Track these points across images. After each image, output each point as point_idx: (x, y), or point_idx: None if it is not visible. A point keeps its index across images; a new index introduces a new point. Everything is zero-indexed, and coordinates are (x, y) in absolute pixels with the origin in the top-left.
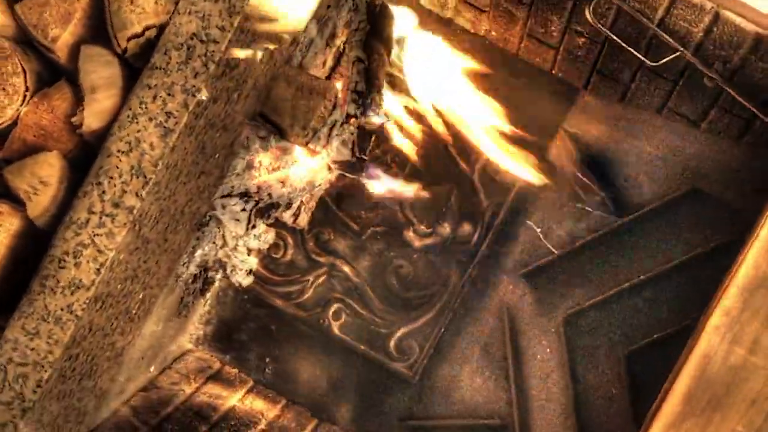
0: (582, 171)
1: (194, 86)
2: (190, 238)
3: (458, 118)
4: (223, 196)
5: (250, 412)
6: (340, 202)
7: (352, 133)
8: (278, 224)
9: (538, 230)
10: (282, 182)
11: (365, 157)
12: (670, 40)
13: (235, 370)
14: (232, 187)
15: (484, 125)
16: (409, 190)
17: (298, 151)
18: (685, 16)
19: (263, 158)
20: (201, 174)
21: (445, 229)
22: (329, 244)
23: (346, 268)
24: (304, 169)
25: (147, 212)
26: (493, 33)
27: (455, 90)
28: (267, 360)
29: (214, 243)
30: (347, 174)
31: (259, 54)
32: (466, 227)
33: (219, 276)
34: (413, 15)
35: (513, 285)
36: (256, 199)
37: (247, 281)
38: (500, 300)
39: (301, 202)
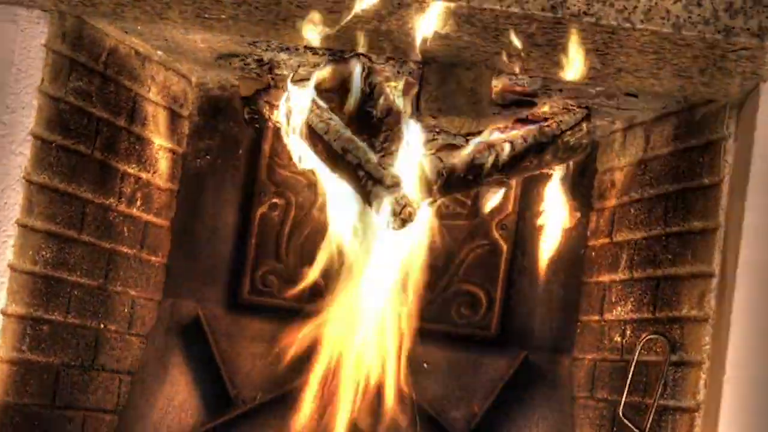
0: None
1: None
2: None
3: None
4: None
5: (152, 160)
6: None
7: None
8: None
9: None
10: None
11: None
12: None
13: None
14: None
15: None
16: None
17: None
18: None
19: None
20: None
21: None
22: None
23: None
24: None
25: None
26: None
27: None
28: (207, 157)
29: (295, 72)
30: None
31: (493, 46)
32: None
33: (272, 85)
34: None
35: None
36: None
37: (283, 126)
38: None
39: None
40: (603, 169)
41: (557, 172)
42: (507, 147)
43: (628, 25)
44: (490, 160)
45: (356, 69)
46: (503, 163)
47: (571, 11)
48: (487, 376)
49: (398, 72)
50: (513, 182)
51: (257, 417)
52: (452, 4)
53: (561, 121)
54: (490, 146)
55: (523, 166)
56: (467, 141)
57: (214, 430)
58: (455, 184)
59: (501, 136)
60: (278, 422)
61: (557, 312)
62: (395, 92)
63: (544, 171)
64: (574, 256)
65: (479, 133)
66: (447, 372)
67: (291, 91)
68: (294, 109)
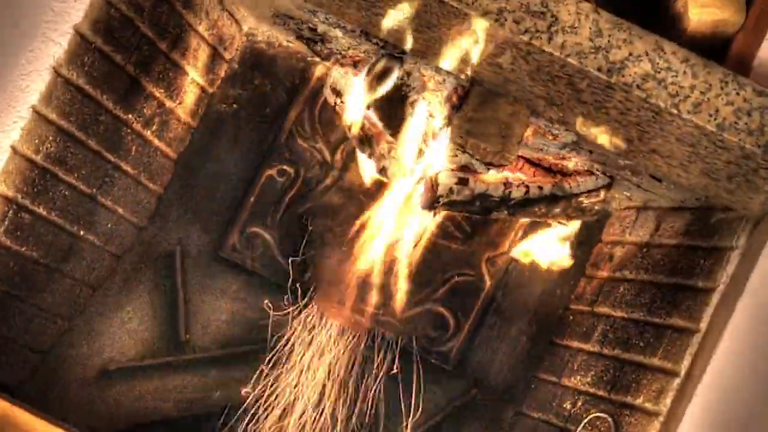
0: None
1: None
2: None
3: None
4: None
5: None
6: None
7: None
8: None
9: None
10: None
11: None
12: None
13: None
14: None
15: None
16: None
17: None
18: None
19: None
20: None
21: None
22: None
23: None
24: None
25: None
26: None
27: None
28: (234, 105)
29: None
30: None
31: (541, 90)
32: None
33: (322, 56)
34: None
35: None
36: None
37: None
38: None
39: None
40: (607, 239)
41: (562, 227)
42: (522, 189)
43: (675, 111)
44: (502, 195)
45: (397, 71)
46: (513, 202)
47: (625, 80)
48: (431, 400)
49: (443, 82)
50: (518, 222)
51: (199, 367)
52: (515, 37)
53: (582, 181)
54: (507, 183)
55: (531, 210)
56: (488, 169)
57: (151, 367)
58: (459, 205)
59: (520, 177)
60: (216, 378)
61: (518, 361)
62: (434, 100)
63: (549, 222)
64: (553, 313)
65: (501, 166)
66: (394, 381)
67: (341, 69)
68: (339, 83)
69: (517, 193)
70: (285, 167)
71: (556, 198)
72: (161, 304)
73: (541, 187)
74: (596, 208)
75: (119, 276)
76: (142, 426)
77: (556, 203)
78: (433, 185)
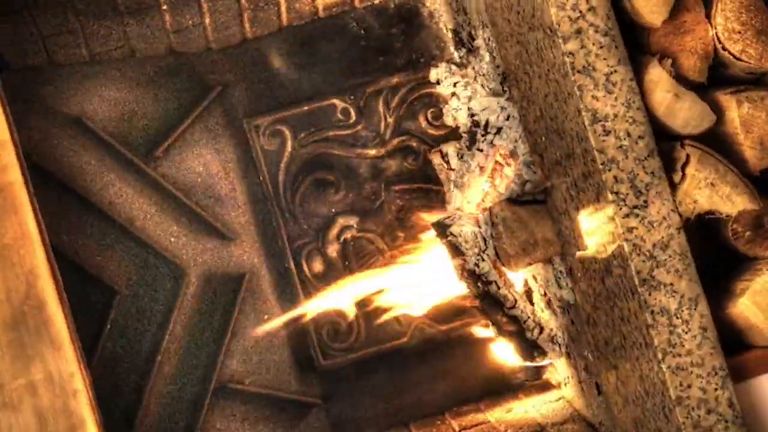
0: None
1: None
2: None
3: None
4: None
5: None
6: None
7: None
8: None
9: None
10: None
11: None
12: None
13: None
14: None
15: None
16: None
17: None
18: None
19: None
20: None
21: None
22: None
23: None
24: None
25: None
26: None
27: None
28: (362, 31)
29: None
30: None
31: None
32: None
33: (459, 62)
34: None
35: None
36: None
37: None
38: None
39: None
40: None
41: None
42: (503, 291)
43: (659, 356)
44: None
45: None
46: (488, 293)
47: (647, 300)
48: (286, 380)
49: (520, 175)
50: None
51: (149, 189)
52: (603, 190)
53: (543, 334)
54: (506, 285)
55: (493, 312)
56: (497, 261)
57: (113, 149)
58: (453, 251)
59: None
60: (153, 214)
61: (366, 423)
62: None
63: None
64: (428, 408)
65: (503, 264)
66: (268, 350)
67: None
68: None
69: (495, 290)
70: (351, 110)
71: (515, 321)
72: (166, 116)
73: (514, 305)
74: (536, 362)
75: (158, 67)
76: (64, 188)
77: (512, 324)
78: (453, 217)
